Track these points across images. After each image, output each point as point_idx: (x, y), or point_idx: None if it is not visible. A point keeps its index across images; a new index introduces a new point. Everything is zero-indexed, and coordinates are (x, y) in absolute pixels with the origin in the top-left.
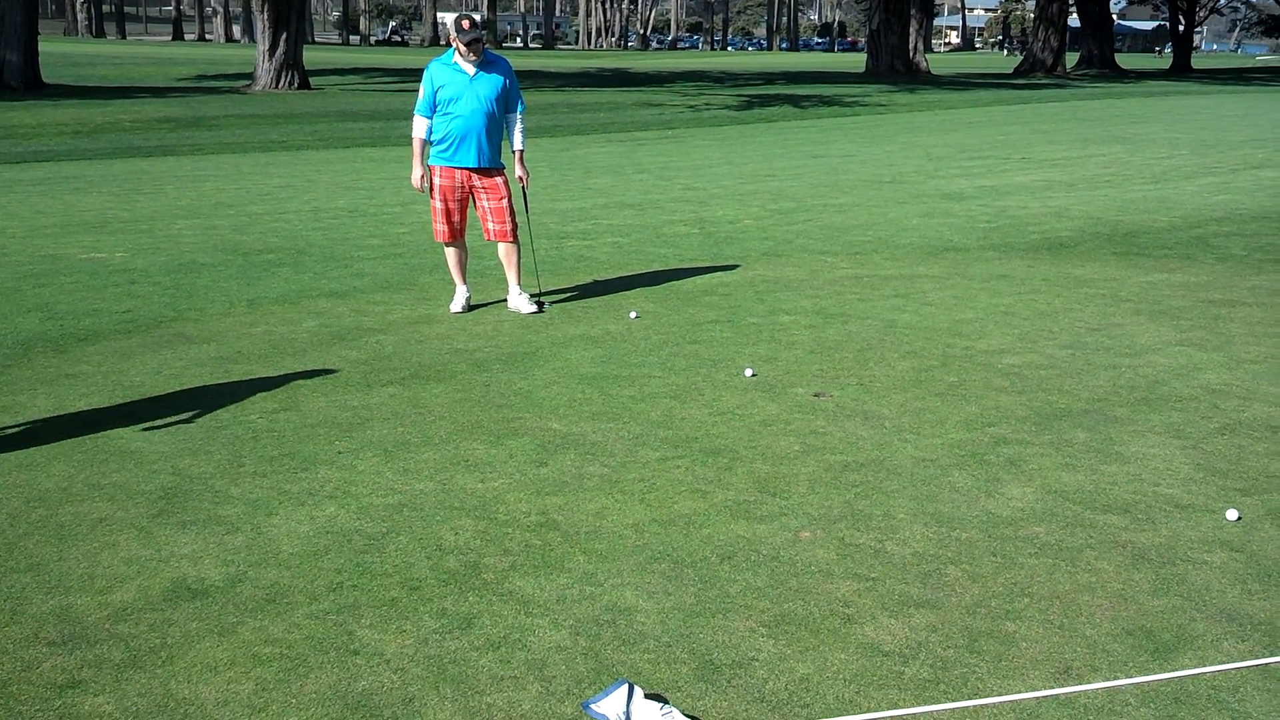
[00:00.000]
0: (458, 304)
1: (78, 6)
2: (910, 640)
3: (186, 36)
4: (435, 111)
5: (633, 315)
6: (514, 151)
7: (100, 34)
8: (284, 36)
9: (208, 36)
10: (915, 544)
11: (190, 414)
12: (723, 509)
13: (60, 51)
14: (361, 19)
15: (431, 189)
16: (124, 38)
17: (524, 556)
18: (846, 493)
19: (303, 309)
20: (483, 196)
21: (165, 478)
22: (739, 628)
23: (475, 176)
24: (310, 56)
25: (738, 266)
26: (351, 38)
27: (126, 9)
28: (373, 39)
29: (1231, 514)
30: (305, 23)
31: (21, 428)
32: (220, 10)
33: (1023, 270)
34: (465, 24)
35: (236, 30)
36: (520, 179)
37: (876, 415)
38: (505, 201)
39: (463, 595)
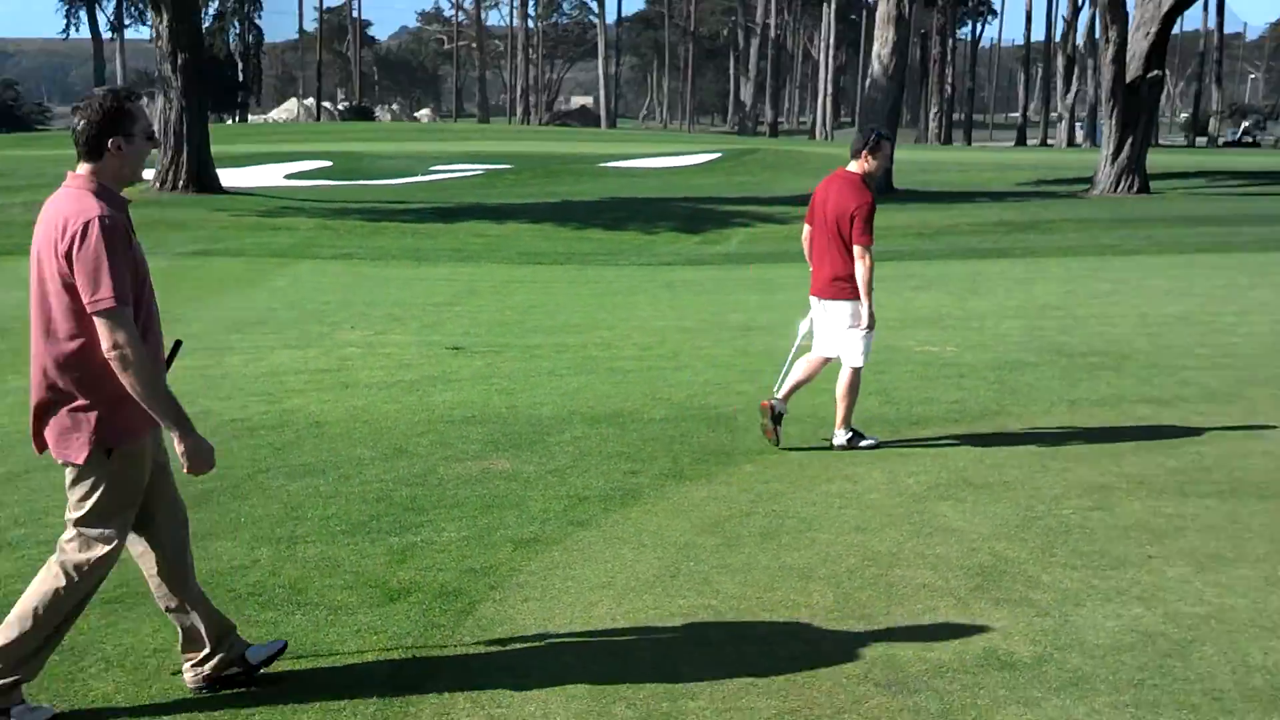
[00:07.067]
0: None
1: (930, 116)
2: None
3: (1029, 142)
4: None
5: None
6: None
7: (948, 141)
8: (1130, 141)
9: (1049, 142)
10: None
11: (1008, 501)
12: None
13: (911, 159)
14: (1211, 120)
15: None
16: (970, 144)
17: None
18: None
19: (1122, 413)
20: None
21: (983, 557)
22: None
23: None
24: (1152, 159)
25: None
26: (1198, 139)
27: (975, 117)
28: (1220, 140)
29: None
30: (1152, 126)
31: (860, 495)
32: (1066, 116)
33: None
34: None
35: (1079, 135)
36: None
37: None
38: None
39: (1266, 715)
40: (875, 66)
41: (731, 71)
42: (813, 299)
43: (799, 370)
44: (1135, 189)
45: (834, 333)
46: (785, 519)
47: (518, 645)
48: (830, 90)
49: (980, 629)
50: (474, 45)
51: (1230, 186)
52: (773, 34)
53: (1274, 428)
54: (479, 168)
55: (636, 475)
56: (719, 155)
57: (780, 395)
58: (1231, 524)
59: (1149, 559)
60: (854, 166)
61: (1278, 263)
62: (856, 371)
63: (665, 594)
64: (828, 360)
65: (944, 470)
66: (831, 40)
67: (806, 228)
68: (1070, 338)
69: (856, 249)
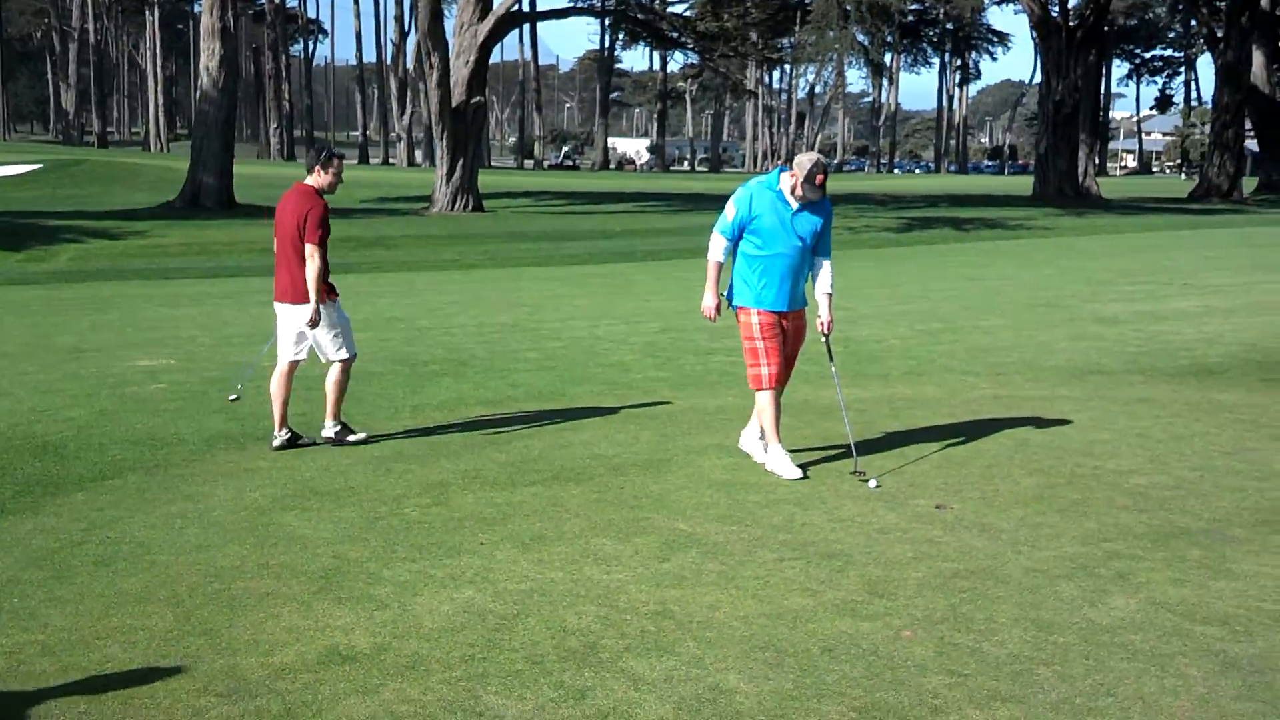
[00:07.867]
0: (793, 470)
1: (270, 132)
2: None
3: (371, 161)
4: (740, 238)
5: (872, 484)
6: (825, 295)
7: (291, 157)
8: (461, 162)
9: (391, 160)
10: (1012, 645)
11: (352, 506)
12: (830, 607)
13: (252, 174)
14: (536, 144)
15: (751, 328)
16: None
17: (639, 640)
18: (952, 597)
19: (460, 414)
20: (788, 340)
21: (326, 560)
22: (830, 712)
23: (784, 319)
24: (485, 180)
25: (877, 385)
26: (526, 162)
27: (316, 133)
28: (545, 164)
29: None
30: (482, 148)
31: (203, 514)
32: (404, 136)
33: (1166, 394)
34: (820, 179)
35: (419, 155)
36: (825, 324)
37: (994, 528)
38: (798, 348)
39: (580, 671)
40: (205, 79)
41: (50, 77)
42: (277, 306)
43: (277, 392)
44: (470, 207)
45: (297, 335)
46: (121, 544)
47: None
48: (162, 101)
49: (322, 629)
50: None
51: (554, 205)
52: (93, 39)
53: (589, 415)
54: None
55: None
56: (40, 166)
57: (279, 433)
58: (553, 507)
59: (481, 545)
60: (311, 180)
61: (594, 274)
62: (346, 363)
63: None
64: (297, 364)
65: (291, 481)
66: (159, 50)
67: (276, 242)
68: (414, 348)
69: (307, 247)
